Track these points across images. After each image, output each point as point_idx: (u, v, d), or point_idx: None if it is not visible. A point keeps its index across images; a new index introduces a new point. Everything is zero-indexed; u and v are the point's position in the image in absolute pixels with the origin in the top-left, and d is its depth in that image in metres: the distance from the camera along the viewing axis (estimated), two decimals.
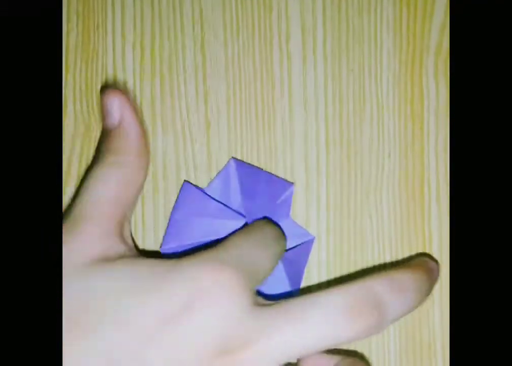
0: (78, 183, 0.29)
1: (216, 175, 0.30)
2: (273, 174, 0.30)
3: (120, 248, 0.22)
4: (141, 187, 0.24)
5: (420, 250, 0.30)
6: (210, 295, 0.19)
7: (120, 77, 0.30)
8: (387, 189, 0.30)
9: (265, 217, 0.29)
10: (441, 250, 0.30)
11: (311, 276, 0.30)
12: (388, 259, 0.30)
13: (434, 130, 0.30)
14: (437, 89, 0.30)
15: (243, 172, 0.29)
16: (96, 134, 0.30)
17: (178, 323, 0.19)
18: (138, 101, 0.30)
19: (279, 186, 0.30)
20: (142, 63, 0.30)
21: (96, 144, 0.30)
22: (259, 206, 0.29)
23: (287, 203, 0.30)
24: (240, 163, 0.29)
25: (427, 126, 0.30)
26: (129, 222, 0.24)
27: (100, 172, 0.23)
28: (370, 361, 0.29)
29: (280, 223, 0.29)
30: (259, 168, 0.30)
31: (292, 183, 0.30)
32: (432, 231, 0.30)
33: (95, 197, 0.22)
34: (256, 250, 0.22)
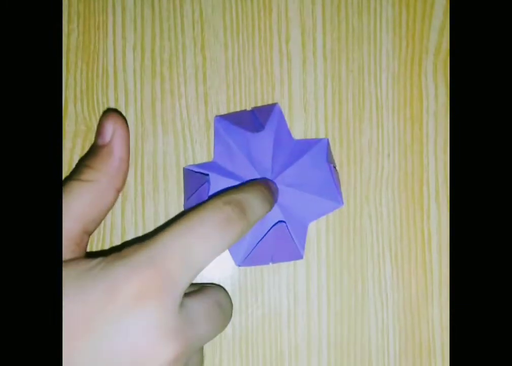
0: None
1: (214, 141, 0.30)
2: (254, 109, 0.30)
3: (71, 254, 0.24)
4: (110, 206, 0.26)
5: (420, 250, 0.30)
6: (134, 305, 0.21)
7: (121, 77, 0.30)
8: (386, 189, 0.30)
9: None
10: (440, 250, 0.30)
11: (310, 276, 0.30)
12: (387, 259, 0.30)
13: (433, 131, 0.30)
14: (436, 90, 0.30)
15: (229, 125, 0.29)
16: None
17: (94, 331, 0.21)
18: (138, 102, 0.30)
19: (265, 112, 0.29)
20: (142, 63, 0.30)
21: None
22: (257, 143, 0.29)
23: (277, 122, 0.29)
24: (222, 118, 0.30)
25: (427, 127, 0.30)
26: (89, 234, 0.26)
27: (73, 187, 0.25)
28: (369, 360, 0.30)
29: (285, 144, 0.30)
30: (239, 111, 0.30)
31: (276, 103, 0.30)
32: (431, 231, 0.30)
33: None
34: (195, 243, 0.22)
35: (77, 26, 0.30)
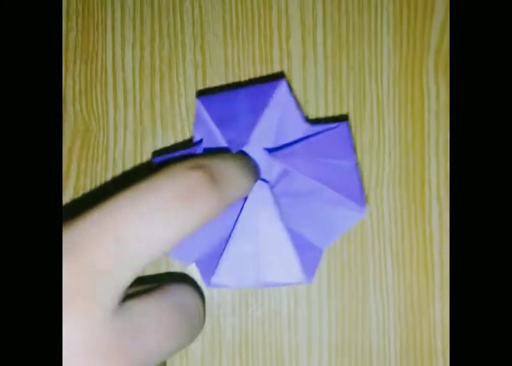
0: (76, 183, 0.29)
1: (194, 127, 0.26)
2: (251, 87, 0.25)
3: None
4: None
5: (421, 249, 0.30)
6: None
7: (120, 76, 0.30)
8: (387, 188, 0.30)
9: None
10: (441, 250, 0.30)
11: None
12: (388, 258, 0.30)
13: (434, 129, 0.30)
14: (437, 88, 0.30)
15: (214, 106, 0.25)
16: (95, 134, 0.30)
17: None
18: (137, 101, 0.30)
19: (265, 90, 0.24)
20: (142, 62, 0.30)
21: (95, 144, 0.30)
22: (245, 127, 0.24)
23: (284, 99, 0.24)
24: (206, 99, 0.25)
25: (428, 125, 0.30)
26: None
27: None
28: (370, 361, 0.29)
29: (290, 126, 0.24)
30: (227, 92, 0.26)
31: (283, 77, 0.25)
32: (432, 230, 0.30)
33: None
34: (139, 222, 0.16)
35: (76, 24, 0.30)
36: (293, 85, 0.30)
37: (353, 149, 0.24)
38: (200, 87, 0.30)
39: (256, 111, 0.24)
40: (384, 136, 0.30)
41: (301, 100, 0.30)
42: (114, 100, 0.30)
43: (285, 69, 0.30)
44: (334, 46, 0.30)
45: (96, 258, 0.16)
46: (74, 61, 0.30)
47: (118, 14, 0.30)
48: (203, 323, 0.20)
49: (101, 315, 0.16)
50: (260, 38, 0.30)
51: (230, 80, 0.30)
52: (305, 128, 0.24)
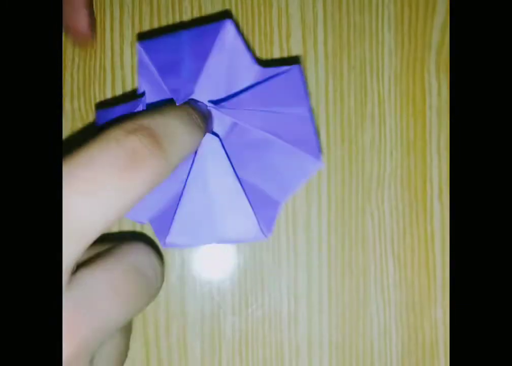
0: None
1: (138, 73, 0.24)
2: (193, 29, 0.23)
3: None
4: None
5: (422, 249, 0.29)
6: None
7: (118, 74, 0.30)
8: (389, 187, 0.30)
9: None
10: (443, 249, 0.29)
11: (312, 276, 0.29)
12: (390, 258, 0.29)
13: (436, 128, 0.30)
14: (439, 87, 0.30)
15: (155, 50, 0.23)
16: (93, 132, 0.30)
17: None
18: None
19: (209, 32, 0.22)
20: None
21: None
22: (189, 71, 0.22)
23: (232, 41, 0.22)
24: (147, 43, 0.23)
25: (429, 124, 0.30)
26: None
27: None
28: (371, 362, 0.29)
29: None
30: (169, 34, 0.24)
31: (228, 19, 0.23)
32: (434, 230, 0.30)
33: None
34: (76, 198, 0.15)
35: None
36: None
37: (307, 95, 0.23)
38: None
39: (201, 56, 0.22)
40: (385, 136, 0.30)
41: None
42: (112, 98, 0.30)
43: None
44: (335, 45, 0.30)
45: None
46: (73, 59, 0.30)
47: (116, 12, 0.30)
48: (162, 283, 0.19)
49: None
50: (260, 37, 0.30)
51: None
52: (256, 71, 0.23)
